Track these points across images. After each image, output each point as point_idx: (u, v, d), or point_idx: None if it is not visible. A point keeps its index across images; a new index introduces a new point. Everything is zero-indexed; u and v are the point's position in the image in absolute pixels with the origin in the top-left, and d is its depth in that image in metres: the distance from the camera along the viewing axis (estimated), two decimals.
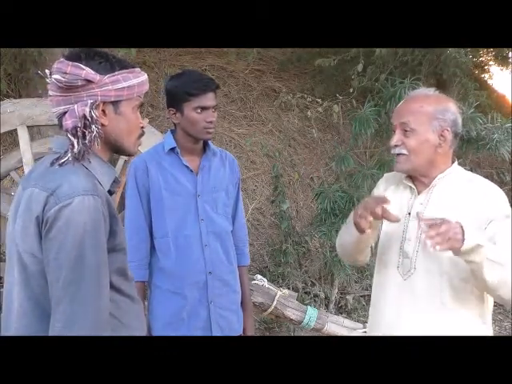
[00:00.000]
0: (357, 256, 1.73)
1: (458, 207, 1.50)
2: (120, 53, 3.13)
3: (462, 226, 1.33)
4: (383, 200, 1.45)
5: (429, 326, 1.51)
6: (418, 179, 1.60)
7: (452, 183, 1.55)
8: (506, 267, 1.37)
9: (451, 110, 1.54)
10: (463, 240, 1.31)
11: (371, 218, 1.45)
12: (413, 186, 1.61)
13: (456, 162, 1.60)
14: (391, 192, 1.67)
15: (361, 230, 1.50)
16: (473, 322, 1.51)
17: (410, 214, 1.58)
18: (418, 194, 1.59)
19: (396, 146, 1.55)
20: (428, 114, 1.52)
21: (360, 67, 4.11)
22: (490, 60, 6.39)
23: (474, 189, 1.53)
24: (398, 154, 1.55)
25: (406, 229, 1.58)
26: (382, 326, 1.61)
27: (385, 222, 1.63)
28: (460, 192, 1.53)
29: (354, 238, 1.60)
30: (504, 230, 1.45)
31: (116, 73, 1.19)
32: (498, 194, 1.52)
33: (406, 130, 1.53)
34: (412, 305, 1.53)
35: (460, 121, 1.57)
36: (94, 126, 1.17)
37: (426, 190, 1.57)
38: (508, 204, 1.51)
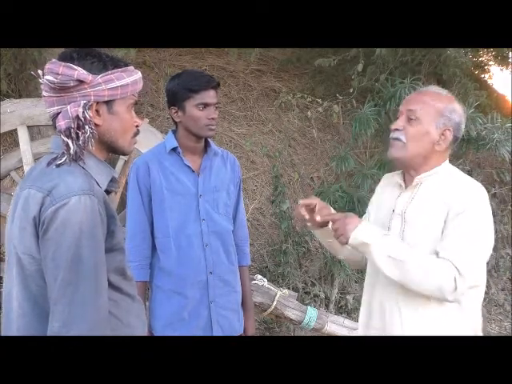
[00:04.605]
0: (339, 255, 1.83)
1: (436, 204, 1.52)
2: (120, 53, 3.13)
3: (358, 223, 1.48)
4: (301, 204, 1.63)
5: (413, 322, 1.52)
6: (408, 175, 1.61)
7: (438, 181, 1.57)
8: (410, 264, 1.42)
9: (459, 112, 1.57)
10: (349, 237, 1.47)
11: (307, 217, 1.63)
12: (402, 184, 1.63)
13: (447, 161, 1.61)
14: (385, 192, 1.72)
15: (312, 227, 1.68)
16: (451, 315, 1.51)
17: (394, 211, 1.60)
18: (406, 188, 1.61)
19: (396, 129, 1.57)
20: (437, 109, 1.54)
21: (360, 67, 4.10)
22: (490, 60, 6.38)
23: (451, 185, 1.54)
24: (395, 139, 1.56)
25: (391, 225, 1.60)
26: (372, 323, 1.64)
27: (371, 220, 1.69)
28: (442, 189, 1.54)
29: (319, 238, 1.80)
30: (461, 226, 1.45)
31: (109, 72, 1.18)
32: (473, 192, 1.51)
33: (410, 118, 1.55)
34: (397, 300, 1.55)
35: (463, 127, 1.60)
36: (87, 127, 1.16)
37: (411, 186, 1.59)
38: (482, 201, 1.49)
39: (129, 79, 1.21)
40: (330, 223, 1.64)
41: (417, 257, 1.44)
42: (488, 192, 1.58)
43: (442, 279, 1.41)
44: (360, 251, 1.52)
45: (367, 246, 1.46)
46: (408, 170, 1.61)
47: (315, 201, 1.62)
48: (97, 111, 1.19)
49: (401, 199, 1.60)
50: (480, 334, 1.59)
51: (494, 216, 1.55)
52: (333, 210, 1.66)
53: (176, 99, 1.88)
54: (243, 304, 2.06)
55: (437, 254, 1.46)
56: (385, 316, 1.58)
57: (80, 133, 1.16)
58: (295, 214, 1.67)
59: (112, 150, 1.27)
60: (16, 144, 3.62)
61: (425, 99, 1.56)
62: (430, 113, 1.53)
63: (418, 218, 1.54)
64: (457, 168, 1.64)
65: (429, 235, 1.50)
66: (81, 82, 1.15)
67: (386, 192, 1.70)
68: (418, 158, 1.56)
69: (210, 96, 1.86)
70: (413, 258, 1.43)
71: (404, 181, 1.63)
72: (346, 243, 1.50)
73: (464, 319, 1.53)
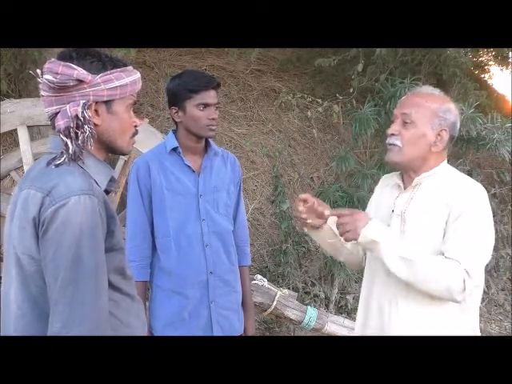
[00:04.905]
0: (339, 257, 1.81)
1: (436, 204, 1.52)
2: (120, 53, 3.13)
3: (368, 220, 1.46)
4: (300, 199, 1.61)
5: (413, 320, 1.52)
6: (407, 176, 1.62)
7: (437, 181, 1.57)
8: (416, 270, 1.42)
9: (453, 112, 1.57)
10: (359, 235, 1.45)
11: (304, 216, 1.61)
12: (401, 184, 1.63)
13: (445, 161, 1.61)
14: (384, 192, 1.71)
15: (309, 228, 1.67)
16: (452, 314, 1.52)
17: (393, 211, 1.60)
18: (404, 189, 1.61)
19: (392, 134, 1.57)
20: (431, 110, 1.53)
21: (360, 67, 4.10)
22: (490, 60, 6.38)
23: (451, 185, 1.54)
24: (391, 145, 1.57)
25: (390, 226, 1.60)
26: (369, 323, 1.63)
27: None
28: (441, 189, 1.54)
29: (318, 240, 1.76)
30: (465, 226, 1.46)
31: (108, 72, 1.18)
32: (473, 192, 1.51)
33: (405, 122, 1.54)
34: (397, 300, 1.55)
35: (458, 125, 1.59)
36: (86, 127, 1.16)
37: (410, 187, 1.59)
38: (482, 202, 1.50)
39: (128, 79, 1.21)
40: (329, 222, 1.64)
41: (426, 257, 1.44)
42: (488, 192, 1.59)
43: (451, 280, 1.41)
44: (367, 249, 1.51)
45: (376, 244, 1.45)
46: (407, 172, 1.61)
47: (313, 198, 1.62)
48: (96, 111, 1.19)
49: (400, 199, 1.60)
50: (479, 333, 1.59)
51: (493, 216, 1.56)
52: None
53: (176, 99, 1.88)
54: (243, 304, 2.06)
55: (442, 254, 1.46)
56: (383, 316, 1.58)
57: (79, 132, 1.16)
58: (294, 211, 1.64)
59: (111, 150, 1.27)
60: (16, 144, 3.62)
61: (418, 101, 1.55)
62: (425, 115, 1.53)
63: (417, 218, 1.54)
64: (456, 168, 1.64)
65: (429, 235, 1.50)
66: (80, 81, 1.15)
67: (385, 192, 1.70)
68: (417, 161, 1.56)
69: (210, 96, 1.86)
70: (423, 258, 1.43)
71: (403, 181, 1.63)
72: (355, 240, 1.48)
73: (464, 319, 1.53)
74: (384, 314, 1.57)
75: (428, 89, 1.63)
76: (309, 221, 1.62)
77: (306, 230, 1.71)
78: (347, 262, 1.83)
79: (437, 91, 1.61)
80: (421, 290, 1.46)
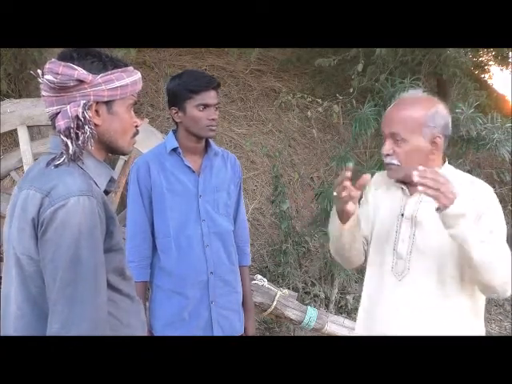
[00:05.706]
0: (348, 254, 1.68)
1: None
2: (120, 53, 3.13)
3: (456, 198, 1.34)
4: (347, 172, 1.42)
5: (423, 326, 1.51)
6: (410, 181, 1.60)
7: None
8: (494, 254, 1.39)
9: (441, 114, 1.51)
10: (453, 202, 1.31)
11: (348, 184, 1.41)
12: (404, 187, 1.59)
13: (447, 162, 1.60)
14: (382, 192, 1.66)
15: (343, 212, 1.48)
16: (465, 318, 1.51)
17: (402, 215, 1.57)
18: (411, 194, 1.58)
19: (388, 155, 1.53)
20: (418, 122, 1.49)
21: (360, 67, 4.10)
22: (490, 60, 6.39)
23: (463, 187, 1.51)
24: (390, 164, 1.54)
25: (399, 230, 1.57)
26: (377, 327, 1.60)
27: (377, 223, 1.64)
28: None
29: (339, 232, 1.58)
30: (492, 224, 1.46)
31: (109, 72, 1.18)
32: (486, 189, 1.53)
33: (396, 140, 1.51)
34: (407, 305, 1.53)
35: (450, 123, 1.54)
36: (86, 127, 1.16)
37: (418, 191, 1.56)
38: (495, 198, 1.52)
39: (128, 79, 1.21)
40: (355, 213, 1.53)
41: (499, 245, 1.42)
42: None
43: (510, 273, 1.40)
44: (448, 222, 1.38)
45: (463, 218, 1.35)
46: (411, 182, 1.59)
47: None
48: (96, 111, 1.19)
49: (408, 202, 1.57)
50: (482, 333, 1.59)
51: None
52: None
53: (176, 100, 1.88)
54: (243, 304, 2.06)
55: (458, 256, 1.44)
56: (391, 320, 1.55)
57: (79, 133, 1.16)
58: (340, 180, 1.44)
59: (111, 151, 1.27)
60: (16, 144, 3.63)
61: (403, 116, 1.50)
62: (414, 129, 1.49)
63: (429, 220, 1.50)
64: (457, 168, 1.62)
65: (441, 238, 1.46)
66: (81, 81, 1.14)
67: (384, 192, 1.65)
68: None
69: (210, 97, 1.86)
70: (497, 245, 1.41)
71: (405, 184, 1.59)
72: (444, 205, 1.34)
73: (477, 322, 1.53)
74: (394, 318, 1.55)
75: (409, 96, 1.58)
76: (344, 193, 1.43)
77: (338, 208, 1.51)
78: (354, 260, 1.71)
79: (419, 93, 1.57)
80: (479, 274, 1.40)
